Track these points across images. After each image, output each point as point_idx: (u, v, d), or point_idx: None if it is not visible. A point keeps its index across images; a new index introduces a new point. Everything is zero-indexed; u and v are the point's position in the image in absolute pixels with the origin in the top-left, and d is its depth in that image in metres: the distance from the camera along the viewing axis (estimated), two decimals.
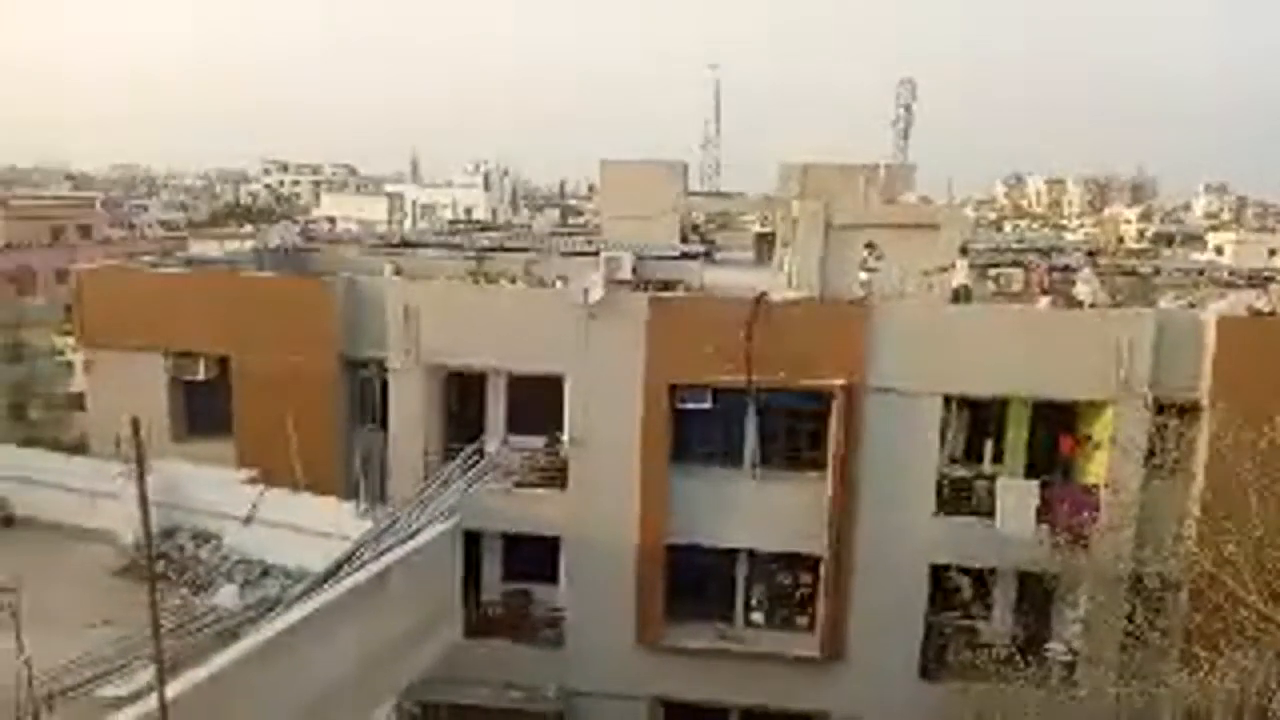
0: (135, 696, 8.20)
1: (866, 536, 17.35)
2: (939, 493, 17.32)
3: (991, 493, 17.13)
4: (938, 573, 17.25)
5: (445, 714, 18.48)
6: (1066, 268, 20.31)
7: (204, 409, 18.80)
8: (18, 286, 53.03)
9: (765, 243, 27.91)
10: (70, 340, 35.87)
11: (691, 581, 18.71)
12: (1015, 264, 21.26)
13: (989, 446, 17.79)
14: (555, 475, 18.27)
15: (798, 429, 18.07)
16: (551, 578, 18.93)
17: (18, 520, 13.93)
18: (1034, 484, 16.99)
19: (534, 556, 18.93)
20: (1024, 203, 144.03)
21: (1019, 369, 16.54)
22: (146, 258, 24.61)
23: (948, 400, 17.16)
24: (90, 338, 19.25)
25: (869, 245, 18.32)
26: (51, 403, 41.71)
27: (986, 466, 17.77)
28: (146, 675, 9.33)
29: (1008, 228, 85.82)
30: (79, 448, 20.65)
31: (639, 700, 18.51)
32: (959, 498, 17.45)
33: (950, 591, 16.74)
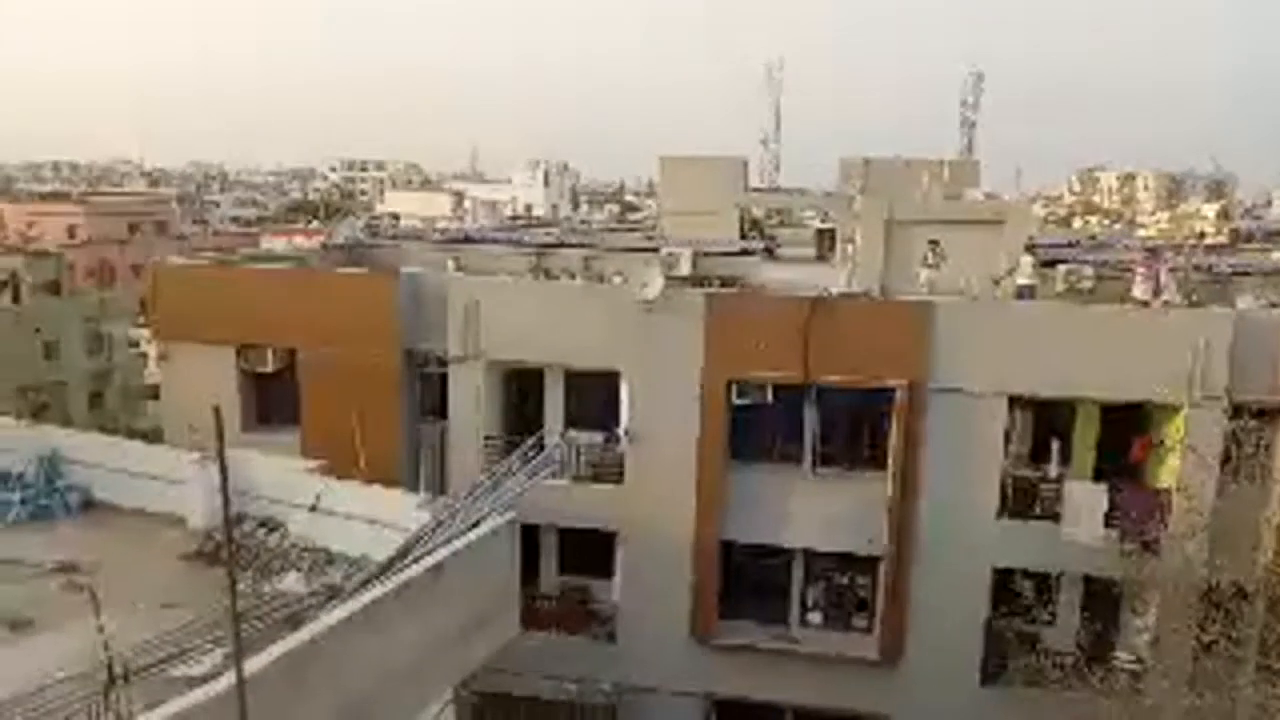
0: (207, 677, 8.47)
1: (927, 538, 17.07)
2: (1003, 495, 16.96)
3: (1058, 496, 16.71)
4: (1001, 576, 16.88)
5: (502, 704, 18.72)
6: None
7: (272, 400, 19.33)
8: (98, 280, 55.17)
9: (825, 239, 27.64)
10: (146, 332, 37.22)
11: (747, 579, 18.64)
12: (1086, 261, 20.65)
13: (1056, 448, 17.36)
14: (612, 471, 18.35)
15: (857, 427, 17.85)
16: (607, 572, 19.02)
17: (96, 504, 14.48)
18: (1102, 487, 16.52)
19: (590, 551, 19.04)
20: (1095, 198, 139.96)
21: (1088, 369, 16.09)
22: (218, 253, 25.36)
23: (1013, 400, 16.78)
24: (165, 330, 19.91)
25: (933, 242, 17.98)
26: (128, 392, 43.36)
27: (1053, 469, 17.34)
28: (216, 657, 9.65)
29: (1077, 224, 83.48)
30: (153, 436, 21.42)
31: (692, 697, 18.50)
32: (1024, 500, 17.06)
33: (1013, 596, 16.37)
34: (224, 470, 6.16)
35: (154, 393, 31.98)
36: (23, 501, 13.96)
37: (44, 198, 76.05)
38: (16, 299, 41.50)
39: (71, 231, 60.08)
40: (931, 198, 21.17)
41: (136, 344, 43.39)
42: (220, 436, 6.10)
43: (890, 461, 17.00)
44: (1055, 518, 16.58)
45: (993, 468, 16.84)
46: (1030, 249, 19.15)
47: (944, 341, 16.49)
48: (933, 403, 16.66)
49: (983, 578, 17.01)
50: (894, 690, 17.57)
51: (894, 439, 16.89)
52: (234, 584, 6.51)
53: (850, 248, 20.96)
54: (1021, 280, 18.16)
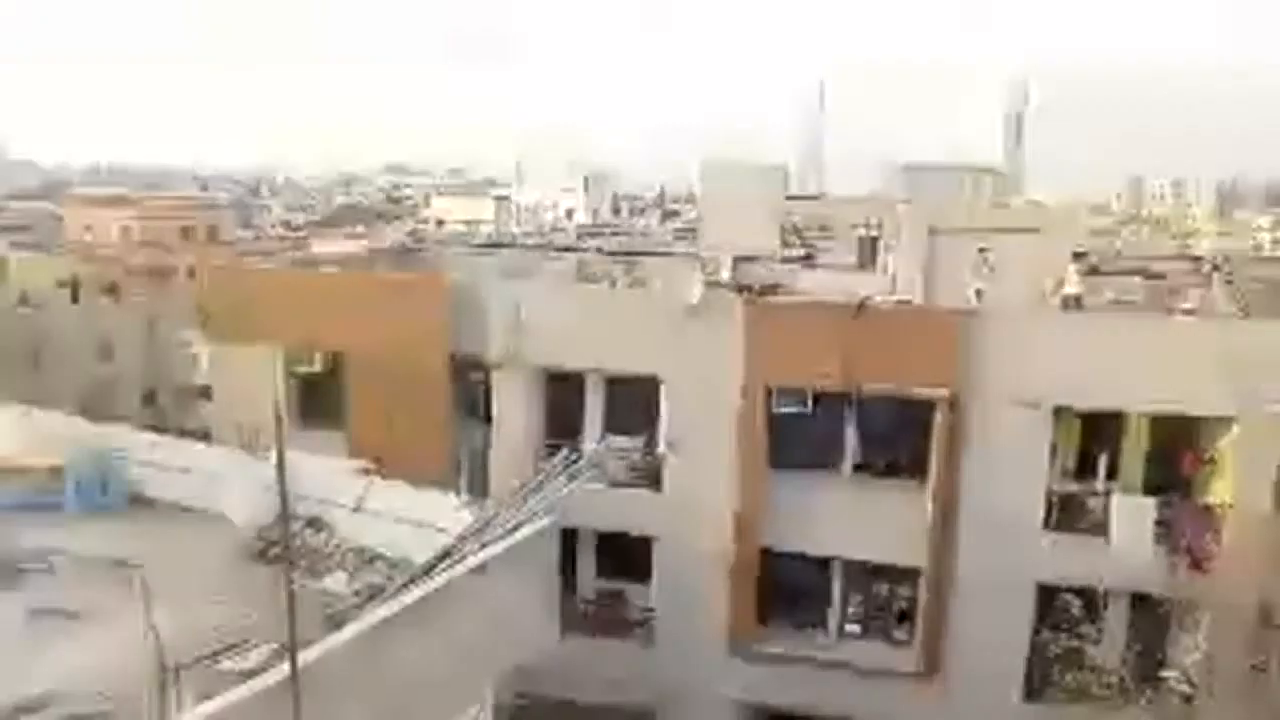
0: (254, 672, 8.65)
1: (969, 550, 16.85)
2: (1048, 508, 16.67)
3: (1105, 510, 16.40)
4: (1045, 591, 16.60)
5: (540, 707, 18.81)
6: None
7: (319, 400, 19.68)
8: (151, 281, 56.57)
9: (867, 246, 27.45)
10: (197, 333, 38.07)
11: (785, 588, 18.54)
12: (1135, 271, 20.31)
13: (1103, 461, 17.04)
14: (650, 476, 18.38)
15: (899, 436, 17.67)
16: (644, 578, 19.05)
17: (148, 501, 14.84)
18: (1151, 502, 16.18)
19: (628, 556, 19.08)
20: (1144, 207, 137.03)
21: (1137, 380, 15.78)
22: (268, 256, 25.91)
23: (1059, 411, 16.52)
24: (216, 331, 20.37)
25: (983, 250, 17.75)
26: (179, 392, 44.40)
27: (1100, 482, 17.01)
28: (263, 652, 9.85)
29: (1125, 232, 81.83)
30: (204, 435, 21.89)
31: (731, 705, 18.43)
32: (1070, 514, 16.76)
33: (1058, 611, 16.10)
34: (281, 469, 6.30)
35: (205, 393, 32.72)
36: (79, 496, 14.35)
37: (101, 201, 78.24)
38: (75, 299, 42.73)
39: (127, 234, 61.74)
40: (975, 205, 20.95)
41: (188, 344, 44.40)
42: (280, 437, 6.25)
43: (931, 471, 16.82)
44: (1102, 532, 16.27)
45: (1037, 480, 16.57)
46: (1077, 257, 18.88)
47: (988, 350, 16.28)
48: (976, 412, 16.46)
49: (1026, 592, 16.74)
50: (934, 704, 17.34)
51: (935, 448, 16.71)
52: (290, 582, 6.66)
53: (892, 255, 20.81)
54: (1068, 289, 17.90)
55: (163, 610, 9.75)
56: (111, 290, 45.68)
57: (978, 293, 18.10)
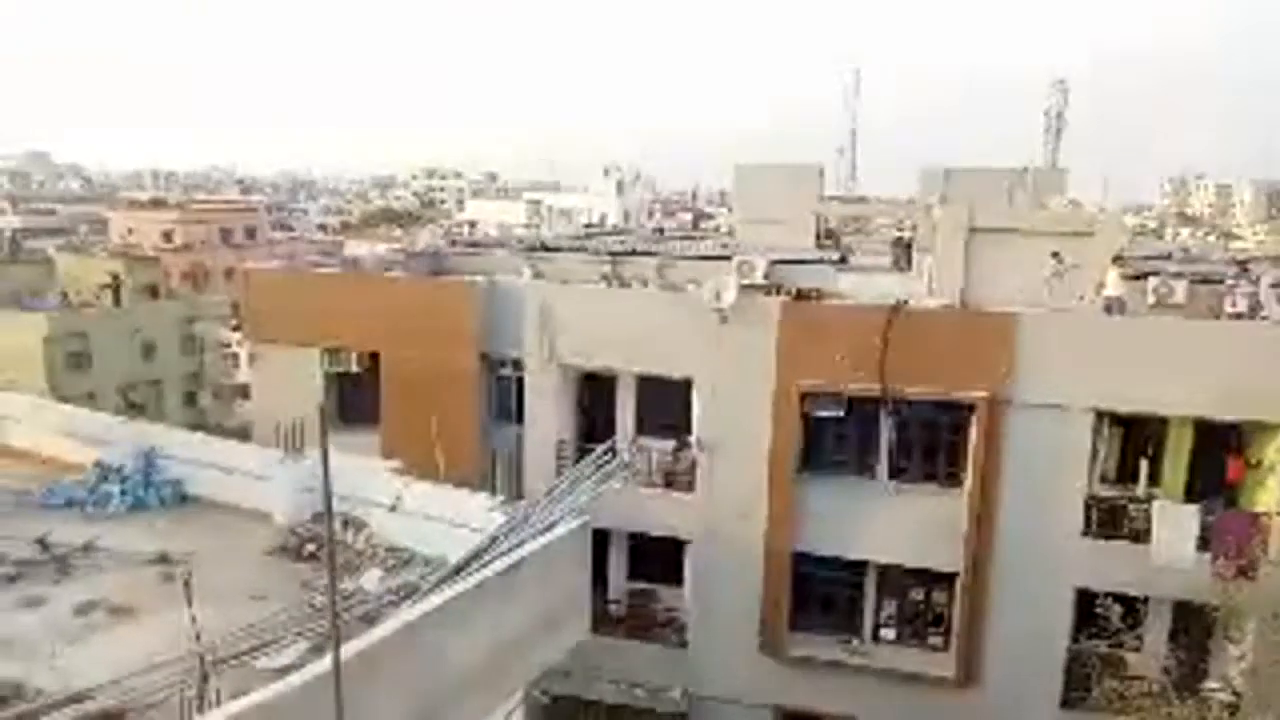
0: (290, 669, 8.76)
1: (1007, 556, 16.63)
2: (1088, 514, 16.42)
3: (1147, 516, 16.09)
4: (1084, 597, 16.33)
5: (572, 707, 18.87)
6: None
7: (355, 401, 19.90)
8: (192, 284, 57.62)
9: (903, 248, 27.15)
10: (237, 334, 38.71)
11: (819, 591, 18.43)
12: (1178, 274, 19.87)
13: (1145, 466, 16.73)
14: (683, 478, 18.36)
15: (935, 441, 17.50)
16: (676, 579, 19.03)
17: (189, 498, 15.10)
18: (1194, 509, 15.85)
19: (659, 557, 19.08)
20: (1189, 209, 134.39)
21: (1181, 385, 15.48)
22: (305, 259, 26.24)
23: (1100, 416, 16.25)
24: (255, 332, 20.69)
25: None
26: (219, 392, 45.11)
27: (1141, 488, 16.71)
28: (299, 649, 9.97)
29: (1169, 235, 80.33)
30: (243, 434, 22.23)
31: (763, 708, 18.35)
32: (1110, 520, 16.49)
33: (1097, 618, 15.81)
34: (326, 470, 6.36)
35: (244, 392, 33.21)
36: (123, 494, 14.64)
37: (143, 204, 79.87)
38: (118, 301, 43.56)
39: (168, 236, 62.96)
40: (1016, 206, 20.65)
41: (228, 345, 45.12)
42: (324, 437, 6.31)
43: (969, 476, 16.63)
44: (1143, 539, 15.98)
45: (1077, 485, 16.32)
46: (1119, 260, 18.51)
47: (1028, 354, 16.07)
48: (1015, 417, 16.25)
49: (1065, 598, 16.49)
50: (970, 710, 17.14)
51: (973, 453, 16.51)
52: (334, 579, 6.73)
53: (928, 257, 20.57)
54: (1109, 291, 17.56)
55: (204, 606, 9.91)
56: (153, 291, 46.51)
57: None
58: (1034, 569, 16.44)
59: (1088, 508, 16.42)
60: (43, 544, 12.80)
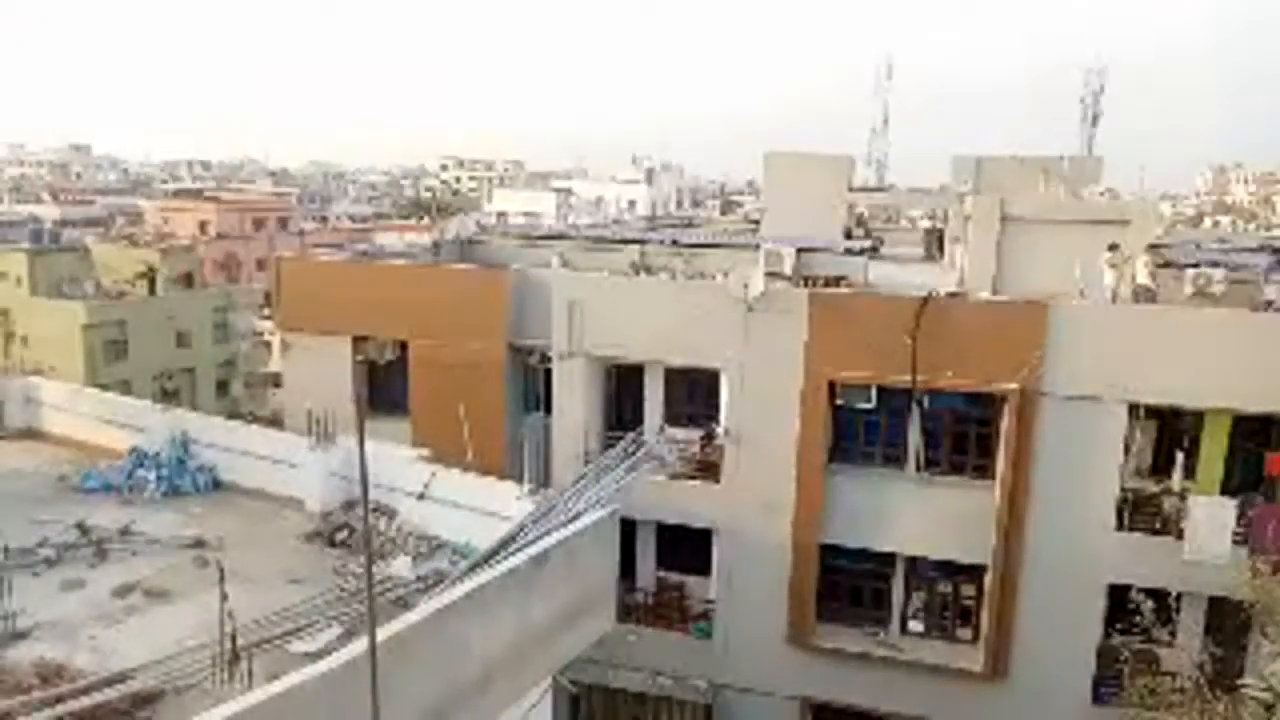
0: (322, 653, 8.89)
1: (1037, 549, 16.46)
2: (1120, 507, 16.20)
3: (1181, 510, 15.85)
4: (1116, 592, 16.13)
5: (599, 695, 18.98)
6: None
7: (384, 389, 20.06)
8: (225, 273, 58.39)
9: (934, 238, 26.92)
10: (269, 323, 39.17)
11: (846, 583, 18.36)
12: (1217, 263, 19.51)
13: (1180, 460, 16.47)
14: (710, 468, 18.35)
15: (965, 433, 17.33)
16: (703, 570, 19.03)
17: (223, 484, 15.35)
18: (1230, 502, 15.59)
19: (686, 548, 19.09)
20: (1228, 198, 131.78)
21: (1218, 377, 15.21)
22: (336, 248, 26.47)
23: (1134, 409, 16.01)
24: (286, 321, 20.90)
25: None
26: (251, 380, 45.70)
27: (1176, 482, 16.46)
28: (330, 634, 10.12)
29: (1208, 224, 78.80)
30: (275, 422, 22.52)
31: (789, 699, 18.34)
32: (1143, 514, 16.26)
33: (1130, 613, 15.62)
34: (363, 459, 6.41)
35: (276, 381, 33.62)
36: (159, 479, 14.91)
37: (178, 195, 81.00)
38: (153, 290, 44.24)
39: (202, 227, 63.82)
40: (1050, 196, 20.35)
41: (260, 334, 45.68)
42: (361, 427, 6.37)
43: (999, 468, 16.46)
44: (1178, 533, 15.75)
45: (1109, 479, 16.10)
46: (1154, 249, 18.22)
47: (1061, 344, 15.85)
48: (1047, 408, 16.05)
49: (1096, 593, 16.31)
50: (998, 704, 17.02)
51: (1004, 445, 16.34)
52: (370, 565, 6.82)
53: (960, 247, 20.36)
54: (1140, 280, 17.29)
55: (237, 590, 10.08)
56: (187, 280, 47.16)
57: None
58: (1065, 562, 16.26)
59: (1121, 501, 16.20)
60: (82, 528, 13.07)
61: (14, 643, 10.07)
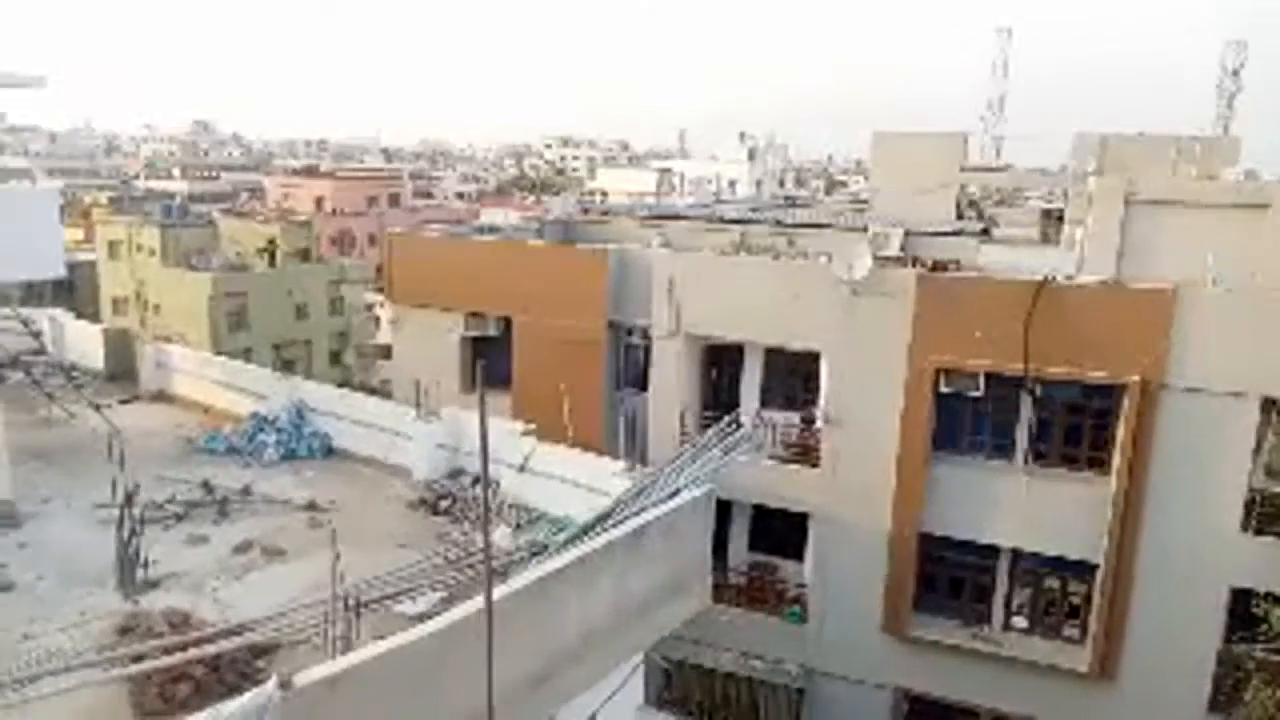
0: (425, 616, 9.20)
1: (1154, 548, 15.69)
2: (1248, 508, 15.27)
3: None
4: (1240, 597, 15.26)
5: (691, 673, 19.10)
6: None
7: (488, 363, 20.50)
8: (339, 248, 60.65)
9: (1052, 221, 25.75)
10: (379, 297, 40.56)
11: (946, 574, 17.92)
12: None
13: None
14: (808, 452, 18.13)
15: (1079, 424, 16.61)
16: (798, 554, 18.88)
17: (335, 451, 16.01)
18: None
19: (781, 531, 18.96)
20: None
21: None
22: (450, 223, 27.14)
23: (1268, 403, 15.03)
24: (396, 295, 21.59)
25: None
26: (362, 351, 47.49)
27: None
28: (434, 597, 10.46)
29: None
30: (385, 392, 23.34)
31: (883, 689, 18.07)
32: (1274, 516, 15.28)
33: (1255, 619, 14.76)
34: (484, 434, 6.56)
35: (385, 353, 34.86)
36: (277, 444, 15.66)
37: (297, 172, 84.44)
38: (273, 263, 46.35)
39: (319, 202, 66.42)
40: (1180, 177, 19.18)
41: (370, 307, 47.36)
42: (482, 402, 6.50)
43: (1116, 463, 15.73)
44: None
45: (1237, 477, 15.19)
46: None
47: (1187, 334, 14.99)
48: (1170, 401, 15.23)
49: (1217, 597, 15.46)
50: (1105, 707, 16.38)
51: (1121, 439, 15.59)
52: (488, 534, 7.03)
53: (1080, 230, 19.42)
54: None
55: (347, 551, 10.51)
56: (304, 254, 49.21)
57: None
58: (1184, 564, 15.46)
59: (1249, 502, 15.27)
60: (207, 487, 13.87)
61: (148, 590, 10.78)
